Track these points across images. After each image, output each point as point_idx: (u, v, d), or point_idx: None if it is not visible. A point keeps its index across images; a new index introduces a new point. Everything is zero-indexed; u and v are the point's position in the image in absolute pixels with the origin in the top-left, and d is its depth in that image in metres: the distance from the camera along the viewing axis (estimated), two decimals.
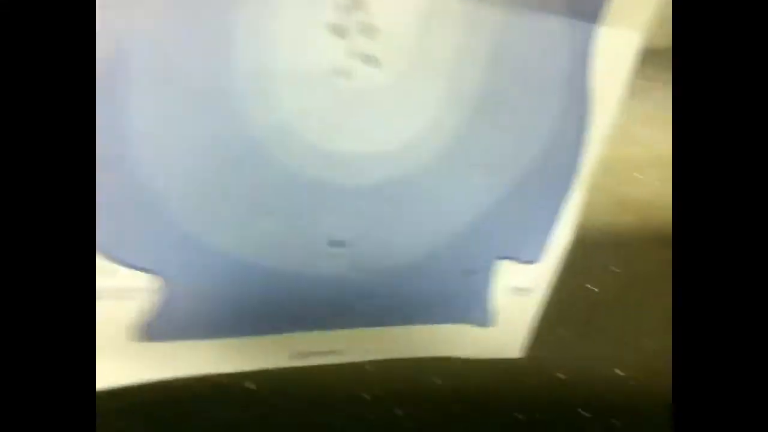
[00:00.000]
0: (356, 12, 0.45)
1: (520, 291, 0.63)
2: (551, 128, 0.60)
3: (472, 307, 0.66)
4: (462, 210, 0.66)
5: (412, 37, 0.49)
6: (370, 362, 0.67)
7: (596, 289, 0.95)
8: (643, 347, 0.81)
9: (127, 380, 0.54)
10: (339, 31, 0.46)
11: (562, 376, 0.70)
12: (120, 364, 0.54)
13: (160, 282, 0.52)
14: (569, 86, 0.59)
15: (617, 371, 0.76)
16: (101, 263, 0.49)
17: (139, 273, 0.51)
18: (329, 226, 0.59)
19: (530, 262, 0.62)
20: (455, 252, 0.65)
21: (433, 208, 0.64)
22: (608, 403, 0.68)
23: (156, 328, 0.54)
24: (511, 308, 0.64)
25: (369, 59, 0.49)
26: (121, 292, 0.51)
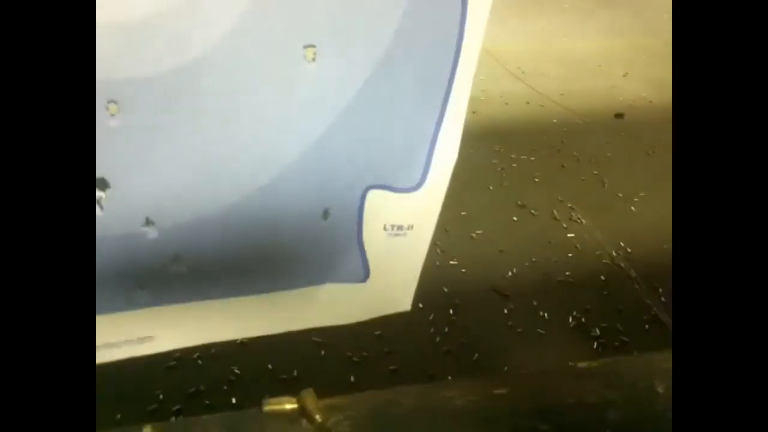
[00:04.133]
0: None
1: (399, 230, 0.57)
2: None
3: (339, 260, 0.60)
4: (305, 121, 0.59)
5: None
6: None
7: None
8: None
9: None
10: None
11: None
12: None
13: None
14: None
15: None
16: None
17: None
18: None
19: (408, 190, 0.56)
20: (307, 182, 0.57)
21: (263, 123, 0.59)
22: None
23: None
24: (390, 254, 0.58)
25: None
26: None
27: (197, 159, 0.57)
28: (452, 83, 0.58)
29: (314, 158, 0.56)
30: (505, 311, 1.51)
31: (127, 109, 0.55)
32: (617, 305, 1.49)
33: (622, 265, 1.57)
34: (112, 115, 0.55)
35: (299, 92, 0.57)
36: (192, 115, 0.56)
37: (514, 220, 1.68)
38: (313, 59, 0.57)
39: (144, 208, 0.57)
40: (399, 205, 0.57)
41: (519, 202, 1.74)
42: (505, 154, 1.91)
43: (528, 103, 2.10)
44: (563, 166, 1.90)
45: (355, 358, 1.26)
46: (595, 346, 1.41)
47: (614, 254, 1.61)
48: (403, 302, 0.63)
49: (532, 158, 1.89)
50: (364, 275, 0.60)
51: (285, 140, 0.56)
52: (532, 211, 1.72)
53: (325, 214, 0.57)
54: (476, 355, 1.37)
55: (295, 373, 1.20)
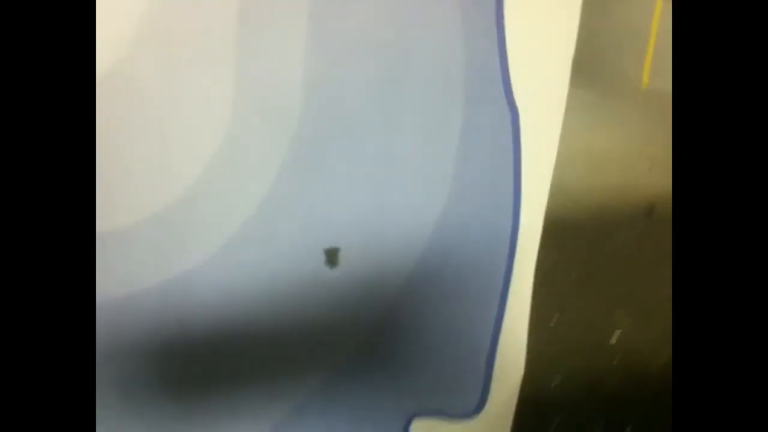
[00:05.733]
0: None
1: None
2: (457, 162, 0.50)
3: None
4: (328, 339, 0.50)
5: None
6: None
7: None
8: None
9: None
10: None
11: None
12: None
13: None
14: (473, 93, 0.50)
15: None
16: None
17: None
18: None
19: (464, 416, 0.47)
20: (334, 415, 0.48)
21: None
22: None
23: None
24: None
25: None
26: None
27: (188, 404, 0.49)
28: (509, 279, 0.51)
29: (342, 385, 0.47)
30: (554, 425, 1.40)
31: (104, 334, 0.48)
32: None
33: None
34: None
35: (319, 304, 0.49)
36: (180, 338, 0.48)
37: (551, 325, 1.58)
38: (336, 263, 0.50)
39: None
40: None
41: (556, 305, 1.65)
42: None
43: (553, 201, 2.05)
44: (598, 266, 1.81)
45: None
46: None
47: (662, 361, 1.49)
48: None
49: (565, 257, 1.80)
50: None
51: (303, 365, 0.47)
52: (572, 315, 1.62)
53: None
54: None
55: None
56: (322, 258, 0.52)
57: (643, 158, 2.40)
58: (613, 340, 1.58)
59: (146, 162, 0.49)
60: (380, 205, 0.52)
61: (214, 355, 0.50)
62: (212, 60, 0.49)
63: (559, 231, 2.12)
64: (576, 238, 1.95)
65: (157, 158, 0.49)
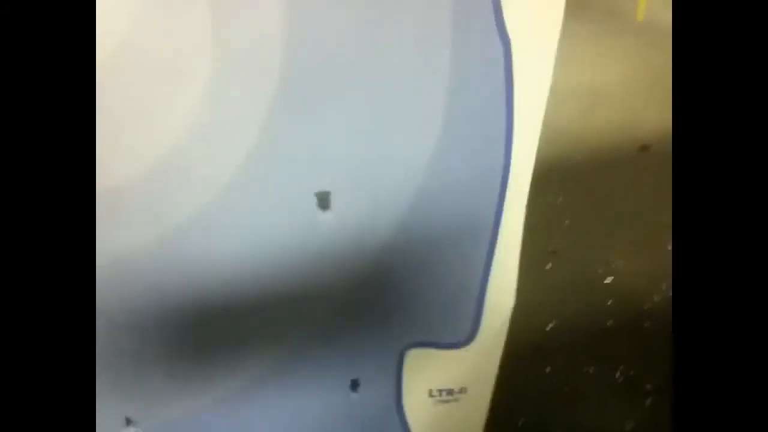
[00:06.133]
0: None
1: (448, 395, 0.46)
2: (451, 100, 0.47)
3: None
4: (323, 281, 0.50)
5: None
6: None
7: None
8: None
9: None
10: None
11: None
12: None
13: None
14: (466, 31, 0.46)
15: None
16: None
17: None
18: None
19: (456, 345, 0.46)
20: (332, 350, 0.48)
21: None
22: None
23: None
24: (439, 424, 0.47)
25: None
26: None
27: (193, 349, 0.49)
28: (500, 216, 0.49)
29: (339, 322, 0.47)
30: (548, 369, 1.40)
31: (105, 293, 0.47)
32: (667, 354, 1.38)
33: (667, 309, 1.45)
34: None
35: (313, 247, 0.48)
36: (177, 294, 0.48)
37: (547, 269, 1.57)
38: (328, 207, 0.48)
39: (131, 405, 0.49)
40: (446, 364, 0.48)
41: (550, 249, 1.63)
42: (531, 196, 1.81)
43: (548, 140, 2.01)
44: (593, 205, 1.78)
45: None
46: (648, 403, 1.29)
47: (655, 299, 1.48)
48: None
49: (560, 198, 1.78)
50: None
51: (301, 306, 0.47)
52: (566, 257, 1.61)
53: (355, 384, 0.47)
54: (522, 420, 1.26)
55: None
56: (314, 202, 0.51)
57: (638, 93, 2.35)
58: (608, 280, 1.58)
59: (128, 124, 0.47)
60: (371, 147, 0.50)
61: (215, 301, 0.51)
62: (188, 13, 0.46)
63: (554, 171, 2.09)
64: (571, 178, 1.92)
65: (138, 120, 0.47)
